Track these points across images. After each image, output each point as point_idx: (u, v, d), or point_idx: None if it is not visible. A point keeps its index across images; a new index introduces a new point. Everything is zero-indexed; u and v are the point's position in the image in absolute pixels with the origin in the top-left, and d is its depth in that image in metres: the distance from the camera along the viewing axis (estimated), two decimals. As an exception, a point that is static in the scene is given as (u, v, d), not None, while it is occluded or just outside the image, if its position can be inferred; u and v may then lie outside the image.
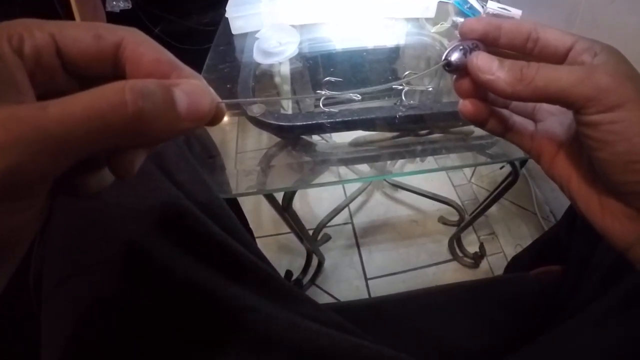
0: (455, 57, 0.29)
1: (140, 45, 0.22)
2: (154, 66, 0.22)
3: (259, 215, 1.33)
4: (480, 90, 0.30)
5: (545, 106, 0.32)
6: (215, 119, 0.23)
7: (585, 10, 0.90)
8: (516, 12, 0.90)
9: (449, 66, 0.29)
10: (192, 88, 0.21)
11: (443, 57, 0.29)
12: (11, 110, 0.17)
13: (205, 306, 0.37)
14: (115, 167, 0.22)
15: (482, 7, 0.93)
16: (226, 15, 0.82)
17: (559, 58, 0.28)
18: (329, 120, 0.60)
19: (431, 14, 0.92)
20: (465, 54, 0.28)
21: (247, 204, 1.34)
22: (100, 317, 0.35)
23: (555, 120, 0.31)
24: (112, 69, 0.23)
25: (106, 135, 0.18)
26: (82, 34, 0.21)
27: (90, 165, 0.23)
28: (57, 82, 0.22)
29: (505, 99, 0.32)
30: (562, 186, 0.31)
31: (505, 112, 0.33)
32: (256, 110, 0.60)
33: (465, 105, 0.31)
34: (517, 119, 0.33)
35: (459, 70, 0.29)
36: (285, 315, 0.40)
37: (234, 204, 0.70)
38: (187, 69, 0.23)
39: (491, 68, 0.26)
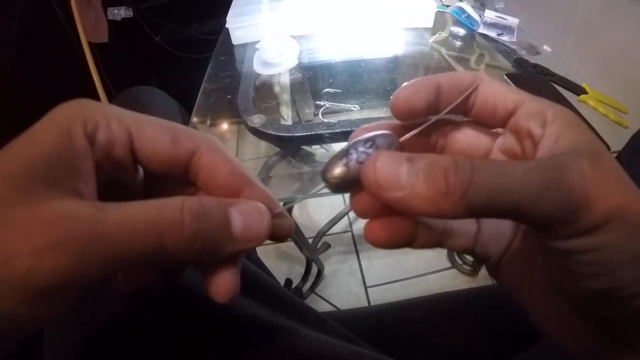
0: (338, 172, 0.19)
1: (216, 156, 0.22)
2: (228, 179, 0.22)
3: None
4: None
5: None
6: (279, 234, 0.23)
7: (582, 17, 0.91)
8: (513, 21, 0.92)
9: (333, 187, 0.20)
10: (248, 209, 0.20)
11: (322, 175, 0.21)
12: (70, 205, 0.16)
13: (205, 314, 0.37)
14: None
15: (480, 16, 0.94)
16: (227, 25, 0.83)
17: (497, 121, 0.22)
18: (328, 131, 0.60)
19: (429, 24, 0.93)
20: (357, 160, 0.19)
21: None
22: (102, 323, 0.35)
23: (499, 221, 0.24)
24: (184, 173, 0.22)
25: (159, 252, 0.17)
26: (159, 135, 0.21)
27: None
28: (124, 176, 0.22)
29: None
30: (513, 292, 0.24)
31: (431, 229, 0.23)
32: (256, 120, 0.60)
33: (374, 232, 0.22)
34: (456, 223, 0.24)
35: (353, 185, 0.20)
36: (285, 323, 0.40)
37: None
38: (259, 185, 0.23)
39: (398, 180, 0.17)
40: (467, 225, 0.24)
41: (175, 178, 0.22)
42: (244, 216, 0.20)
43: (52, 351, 0.35)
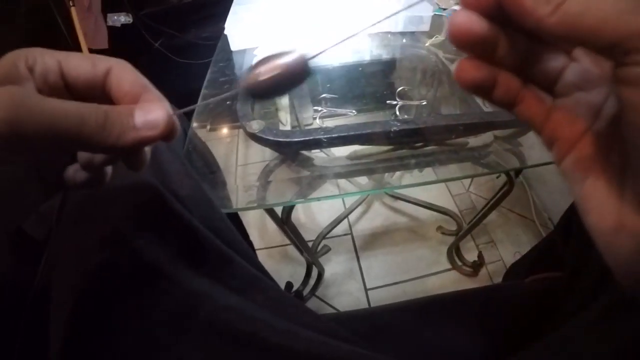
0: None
1: (123, 70, 0.28)
2: (131, 86, 0.28)
3: (264, 227, 1.35)
4: (486, 41, 0.22)
5: (570, 77, 0.24)
6: (171, 133, 0.28)
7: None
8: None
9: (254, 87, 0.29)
10: (148, 105, 0.27)
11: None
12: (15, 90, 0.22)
13: (207, 317, 0.38)
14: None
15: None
16: (225, 32, 0.84)
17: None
18: (325, 136, 0.61)
19: (426, 27, 0.94)
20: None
21: (252, 217, 1.36)
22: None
23: (582, 97, 0.24)
24: (102, 91, 0.28)
25: (78, 134, 0.23)
26: (82, 61, 0.28)
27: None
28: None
29: (524, 29, 0.23)
30: (573, 186, 0.24)
31: (514, 79, 0.25)
32: (255, 126, 0.61)
33: (464, 68, 0.24)
34: (530, 90, 0.25)
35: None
36: (285, 325, 0.41)
37: (234, 218, 0.72)
38: (154, 91, 0.29)
39: None
40: (541, 96, 0.25)
41: (97, 99, 0.27)
42: (144, 111, 0.26)
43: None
